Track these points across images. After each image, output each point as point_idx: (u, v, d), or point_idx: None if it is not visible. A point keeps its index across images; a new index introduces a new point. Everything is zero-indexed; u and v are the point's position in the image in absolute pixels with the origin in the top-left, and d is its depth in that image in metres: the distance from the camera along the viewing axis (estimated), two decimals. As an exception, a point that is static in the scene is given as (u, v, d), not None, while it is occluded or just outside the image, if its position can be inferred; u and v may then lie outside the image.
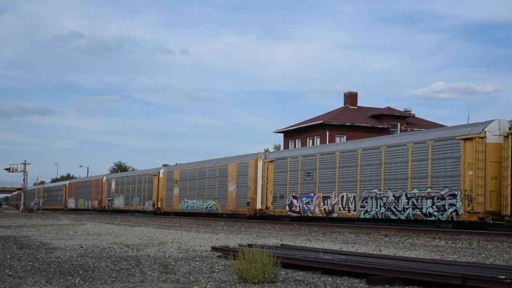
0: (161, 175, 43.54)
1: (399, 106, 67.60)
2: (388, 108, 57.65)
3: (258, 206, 30.96)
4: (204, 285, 6.77)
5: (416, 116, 59.41)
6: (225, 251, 9.94)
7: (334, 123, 54.05)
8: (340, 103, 62.20)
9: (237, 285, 6.81)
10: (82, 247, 12.26)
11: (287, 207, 29.04)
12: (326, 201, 26.49)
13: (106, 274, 7.69)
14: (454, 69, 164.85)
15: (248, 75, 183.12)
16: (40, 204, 78.50)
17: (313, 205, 27.19)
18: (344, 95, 60.92)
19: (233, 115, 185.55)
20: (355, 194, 24.73)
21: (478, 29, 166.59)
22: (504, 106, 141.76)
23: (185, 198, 39.20)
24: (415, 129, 47.83)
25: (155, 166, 47.78)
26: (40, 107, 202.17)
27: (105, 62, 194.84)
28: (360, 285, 6.82)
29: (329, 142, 49.99)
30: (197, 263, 9.08)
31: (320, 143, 52.37)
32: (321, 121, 54.36)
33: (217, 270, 8.13)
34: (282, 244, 12.07)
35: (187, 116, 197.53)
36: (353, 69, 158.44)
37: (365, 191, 24.20)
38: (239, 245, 11.19)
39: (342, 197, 25.49)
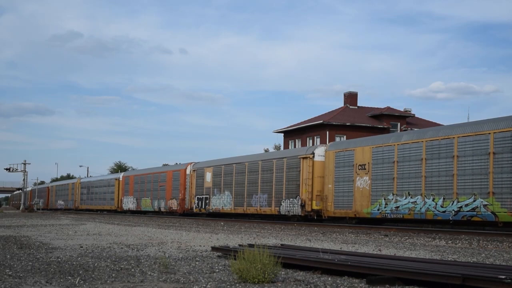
0: (318, 158, 27.38)
1: (399, 106, 67.76)
2: (388, 108, 57.68)
3: None
4: (204, 285, 6.77)
5: (416, 116, 59.47)
6: (225, 251, 9.94)
7: (334, 123, 54.07)
8: (340, 103, 62.30)
9: (237, 285, 6.81)
10: (82, 247, 12.27)
11: None
12: None
13: (106, 274, 7.69)
14: (454, 70, 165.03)
15: (248, 75, 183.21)
16: (79, 203, 63.20)
17: None
18: (344, 95, 60.95)
19: (233, 115, 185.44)
20: None
21: (477, 29, 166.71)
22: (504, 106, 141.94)
23: (391, 194, 22.99)
24: (415, 129, 47.84)
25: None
26: (40, 107, 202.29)
27: (105, 62, 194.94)
28: (360, 285, 6.82)
29: (329, 142, 49.94)
30: (197, 263, 9.08)
31: (320, 143, 52.37)
32: (321, 121, 54.37)
33: (217, 270, 8.13)
34: (282, 244, 12.07)
35: (187, 116, 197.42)
36: (353, 69, 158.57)
37: None
38: (239, 245, 11.19)
39: None
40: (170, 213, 41.70)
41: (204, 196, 36.87)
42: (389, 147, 23.43)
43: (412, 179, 22.20)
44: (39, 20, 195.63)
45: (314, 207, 27.05)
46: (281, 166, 29.52)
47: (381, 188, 23.58)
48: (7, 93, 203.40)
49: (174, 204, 41.13)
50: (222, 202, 34.65)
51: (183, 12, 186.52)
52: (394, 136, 24.19)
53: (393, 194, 22.91)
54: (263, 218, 31.65)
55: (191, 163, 39.81)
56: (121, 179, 52.27)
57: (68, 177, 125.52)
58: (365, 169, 24.43)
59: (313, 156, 27.43)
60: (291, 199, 28.43)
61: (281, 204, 29.11)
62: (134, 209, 47.96)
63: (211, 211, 35.76)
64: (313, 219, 27.38)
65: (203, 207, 36.80)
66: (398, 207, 22.57)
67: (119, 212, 50.95)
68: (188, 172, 39.50)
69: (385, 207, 23.15)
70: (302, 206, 27.41)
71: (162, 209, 42.95)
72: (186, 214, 39.48)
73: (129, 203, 49.10)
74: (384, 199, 23.25)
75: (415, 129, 48.42)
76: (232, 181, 33.78)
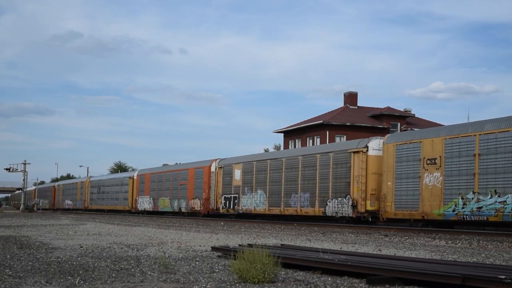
0: (373, 152, 24.23)
1: (399, 106, 67.78)
2: (388, 108, 57.70)
3: None
4: (204, 285, 6.77)
5: (416, 116, 59.49)
6: (225, 251, 9.94)
7: (334, 123, 54.08)
8: (340, 103, 62.32)
9: (237, 285, 6.81)
10: (82, 247, 12.27)
11: None
12: None
13: (106, 274, 7.69)
14: (454, 70, 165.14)
15: (248, 75, 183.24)
16: (89, 203, 58.81)
17: None
18: (344, 95, 60.96)
19: (233, 115, 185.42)
20: None
21: (477, 29, 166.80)
22: (504, 106, 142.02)
23: (470, 192, 19.95)
24: (415, 129, 47.82)
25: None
26: (40, 107, 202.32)
27: (105, 62, 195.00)
28: (360, 285, 6.82)
29: (329, 142, 49.97)
30: (197, 263, 9.08)
31: (320, 143, 52.41)
32: (321, 121, 54.39)
33: (217, 270, 8.13)
34: (282, 244, 12.07)
35: (187, 116, 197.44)
36: (353, 69, 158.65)
37: None
38: (239, 245, 11.19)
39: None
40: (192, 214, 38.06)
41: (232, 195, 33.33)
42: (467, 138, 20.03)
43: (500, 174, 18.68)
44: (39, 20, 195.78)
45: (369, 208, 23.88)
46: (327, 161, 26.19)
47: (457, 186, 20.08)
48: (7, 93, 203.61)
49: (197, 204, 37.37)
50: (254, 202, 31.17)
51: (183, 12, 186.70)
52: (473, 125, 20.73)
53: (473, 193, 19.42)
54: (304, 219, 27.97)
55: (216, 159, 36.27)
56: (135, 177, 48.05)
57: (68, 177, 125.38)
58: (435, 163, 20.99)
59: (367, 150, 24.24)
60: (339, 198, 25.18)
61: (326, 204, 25.80)
62: (151, 209, 43.96)
63: (240, 211, 32.36)
64: (367, 221, 24.08)
65: (231, 207, 33.23)
66: (481, 207, 19.12)
67: (133, 213, 47.04)
68: (213, 169, 35.88)
69: (462, 208, 19.73)
70: (354, 206, 24.21)
71: (183, 210, 39.21)
72: (211, 215, 35.69)
73: (144, 203, 45.13)
74: (462, 199, 19.82)
75: (415, 129, 48.42)
76: (266, 178, 30.28)
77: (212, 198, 35.86)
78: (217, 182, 35.25)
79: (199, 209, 37.03)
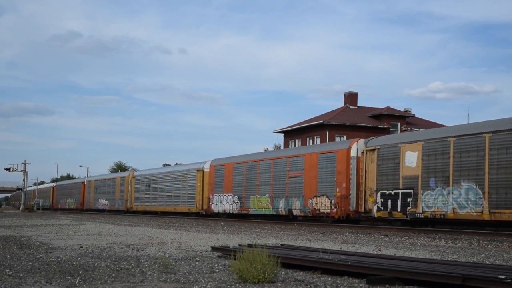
0: None
1: (399, 106, 67.80)
2: (388, 108, 57.71)
3: None
4: (204, 285, 6.77)
5: (416, 116, 59.50)
6: (225, 251, 9.94)
7: (334, 123, 54.09)
8: (340, 103, 62.35)
9: (237, 285, 6.81)
10: (82, 247, 12.26)
11: None
12: None
13: (106, 274, 7.69)
14: (454, 70, 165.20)
15: (248, 75, 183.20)
16: (132, 203, 47.96)
17: None
18: (344, 95, 60.97)
19: (233, 115, 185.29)
20: None
21: (477, 29, 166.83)
22: (503, 106, 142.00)
23: None
24: (415, 129, 47.86)
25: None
26: (40, 107, 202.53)
27: (105, 62, 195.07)
28: (360, 285, 6.82)
29: (329, 142, 49.95)
30: (197, 263, 9.08)
31: (320, 143, 52.40)
32: (321, 121, 54.41)
33: (217, 270, 8.12)
34: (282, 244, 12.07)
35: (187, 116, 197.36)
36: (353, 69, 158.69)
37: None
38: (239, 245, 11.19)
39: None
40: (314, 218, 27.42)
41: (400, 191, 22.49)
42: None
43: None
44: (39, 20, 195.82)
45: None
46: None
47: None
48: (7, 93, 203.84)
49: (324, 205, 26.27)
50: (451, 200, 20.29)
51: (183, 12, 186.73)
52: None
53: None
54: None
55: (358, 139, 25.80)
56: (207, 169, 37.26)
57: (68, 177, 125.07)
58: None
59: None
60: None
61: None
62: (235, 211, 33.13)
63: (420, 216, 21.60)
64: None
65: (397, 209, 22.49)
66: None
67: (205, 216, 36.77)
68: (353, 153, 25.05)
69: None
70: None
71: (296, 212, 28.15)
72: (353, 220, 25.44)
73: (224, 203, 34.37)
74: None
75: (415, 129, 48.43)
76: (483, 163, 19.17)
77: (353, 195, 25.06)
78: (365, 171, 24.35)
79: (328, 211, 26.02)
